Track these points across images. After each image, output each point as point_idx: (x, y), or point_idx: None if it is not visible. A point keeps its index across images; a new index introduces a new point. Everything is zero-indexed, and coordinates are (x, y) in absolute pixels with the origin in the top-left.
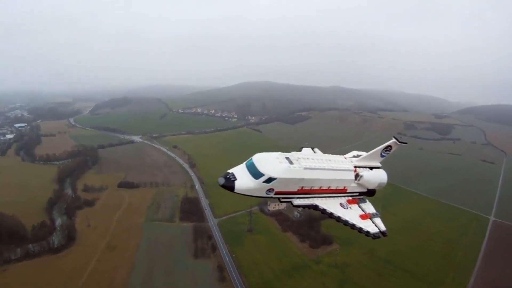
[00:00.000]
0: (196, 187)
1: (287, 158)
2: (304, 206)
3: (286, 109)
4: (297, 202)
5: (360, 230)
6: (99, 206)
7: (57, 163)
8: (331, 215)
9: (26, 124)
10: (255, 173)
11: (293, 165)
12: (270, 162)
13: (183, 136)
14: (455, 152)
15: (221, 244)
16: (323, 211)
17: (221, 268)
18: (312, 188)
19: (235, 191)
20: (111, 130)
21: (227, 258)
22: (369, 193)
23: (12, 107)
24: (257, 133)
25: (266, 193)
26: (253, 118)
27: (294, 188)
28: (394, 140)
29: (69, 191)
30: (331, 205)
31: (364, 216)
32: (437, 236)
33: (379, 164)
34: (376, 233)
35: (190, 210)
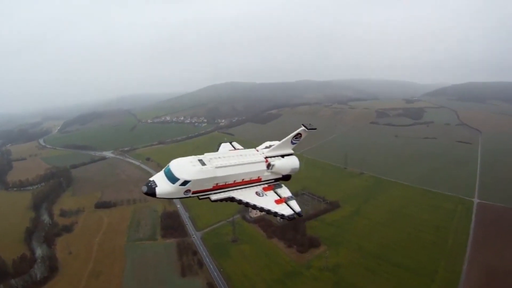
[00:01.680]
0: (174, 200)
1: (200, 160)
2: (221, 200)
3: (256, 108)
4: (214, 197)
5: (275, 214)
6: (78, 230)
7: (31, 188)
8: (247, 204)
9: None
10: (172, 178)
11: (205, 166)
12: (184, 166)
13: (155, 147)
14: (430, 135)
15: (207, 259)
16: (240, 201)
17: (211, 285)
18: (227, 183)
19: (157, 196)
20: (82, 148)
21: (215, 274)
22: (285, 178)
23: None
24: (229, 136)
25: (184, 193)
26: (223, 121)
27: (209, 186)
28: (303, 127)
29: (46, 217)
30: (247, 195)
31: (279, 201)
32: (424, 225)
33: (291, 151)
34: (291, 215)
35: (171, 225)
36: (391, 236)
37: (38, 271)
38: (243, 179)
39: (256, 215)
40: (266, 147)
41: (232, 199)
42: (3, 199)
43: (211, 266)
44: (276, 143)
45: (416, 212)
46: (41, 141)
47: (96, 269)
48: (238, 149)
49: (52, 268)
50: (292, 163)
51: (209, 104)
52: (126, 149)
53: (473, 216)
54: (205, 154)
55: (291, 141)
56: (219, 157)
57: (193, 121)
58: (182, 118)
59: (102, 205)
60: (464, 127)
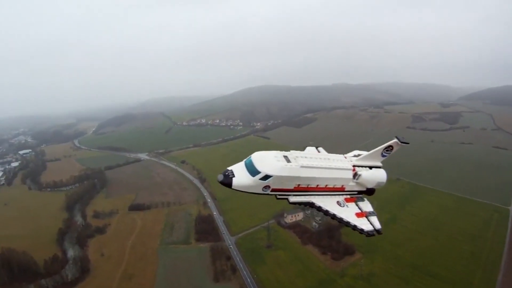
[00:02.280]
0: (209, 204)
1: (285, 156)
2: (300, 203)
3: (291, 112)
4: (293, 199)
5: (354, 227)
6: (111, 232)
7: (65, 189)
8: (326, 213)
9: (30, 150)
10: (252, 171)
11: (290, 163)
12: (268, 160)
13: (190, 149)
14: (466, 141)
15: (241, 264)
16: (319, 208)
17: None
18: (309, 186)
19: (233, 187)
20: (117, 149)
21: (249, 280)
22: (368, 192)
23: (15, 133)
24: (265, 140)
25: (262, 189)
26: (259, 124)
27: (291, 185)
28: (395, 140)
29: (79, 218)
30: (328, 202)
31: (360, 214)
32: (459, 233)
33: (379, 164)
34: (371, 231)
35: (205, 229)
36: (426, 245)
37: (69, 272)
38: (326, 185)
39: (291, 221)
40: (355, 156)
41: (311, 205)
42: (36, 199)
43: (245, 272)
44: (365, 153)
45: (452, 220)
46: (76, 142)
47: (128, 271)
48: None
49: (84, 269)
50: (379, 176)
51: (244, 107)
52: (161, 151)
53: (509, 224)
54: (291, 151)
55: (382, 153)
56: (305, 157)
57: (229, 124)
58: (217, 121)
59: (136, 208)
60: (500, 132)
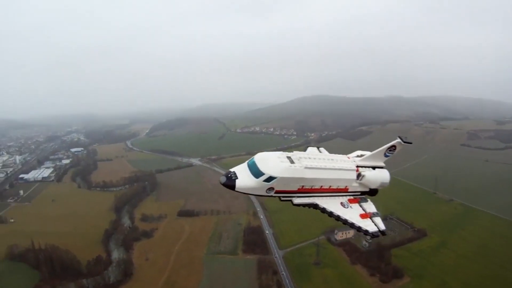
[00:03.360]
0: (259, 214)
1: (288, 157)
2: (304, 205)
3: (345, 123)
4: (297, 201)
5: (359, 229)
6: (157, 237)
7: (114, 190)
8: (330, 214)
9: (82, 148)
10: (256, 172)
11: (294, 164)
12: (271, 161)
13: (242, 157)
14: None
15: (287, 280)
16: (323, 210)
17: None
18: (313, 187)
19: (236, 189)
20: (169, 153)
21: None
22: (371, 193)
23: (68, 130)
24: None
25: (266, 191)
26: (313, 134)
27: (295, 187)
28: (398, 140)
29: (126, 221)
30: (331, 204)
31: (364, 215)
32: (511, 262)
33: (382, 164)
34: (375, 232)
35: (254, 240)
36: (476, 273)
37: (112, 274)
38: (330, 186)
39: (342, 238)
40: (358, 156)
41: (315, 206)
42: (85, 198)
43: None
44: (368, 153)
45: (504, 248)
46: (128, 143)
47: (171, 278)
48: None
49: (127, 272)
50: (383, 176)
51: (298, 116)
52: (213, 157)
53: None
54: (294, 151)
55: (385, 153)
56: (309, 157)
57: (283, 133)
58: (271, 130)
59: (185, 213)
60: None
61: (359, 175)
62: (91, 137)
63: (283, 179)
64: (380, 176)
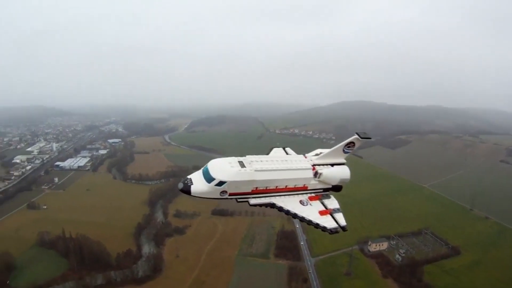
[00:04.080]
0: (293, 221)
1: (240, 162)
2: (261, 205)
3: (385, 131)
4: (253, 201)
5: (316, 225)
6: (190, 234)
7: (150, 183)
8: (287, 212)
9: (120, 140)
10: (208, 178)
11: (244, 168)
12: (222, 167)
13: None
14: None
15: None
16: (280, 208)
17: None
18: (268, 188)
19: (192, 194)
20: (207, 150)
21: None
22: (335, 189)
23: (107, 121)
24: (357, 158)
25: (220, 194)
26: (371, 137)
27: (248, 189)
28: (356, 136)
29: (159, 215)
30: (289, 202)
31: (323, 212)
32: None
33: (343, 160)
34: (333, 228)
35: (286, 245)
36: None
37: (140, 269)
38: (286, 186)
39: (375, 249)
40: (316, 154)
41: (272, 205)
42: (119, 189)
43: None
44: (326, 150)
45: None
46: (166, 137)
47: (200, 277)
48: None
49: (156, 268)
50: (342, 173)
51: (337, 120)
52: None
53: None
54: (247, 156)
55: (343, 150)
56: (261, 160)
57: (321, 137)
58: (310, 133)
59: (219, 212)
60: None
61: (316, 173)
62: (130, 129)
63: (233, 182)
64: (338, 173)
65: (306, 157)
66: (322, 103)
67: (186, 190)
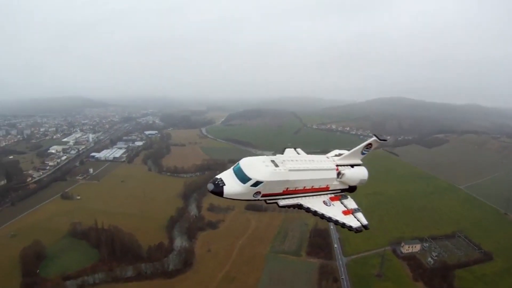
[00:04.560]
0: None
1: (272, 161)
2: (289, 206)
3: (422, 129)
4: (282, 202)
5: (343, 225)
6: (223, 229)
7: (185, 176)
8: (315, 213)
9: (156, 131)
10: (243, 178)
11: (278, 167)
12: (257, 166)
13: (317, 154)
14: None
15: None
16: (307, 209)
17: None
18: (297, 189)
19: (224, 196)
20: (243, 144)
21: None
22: (351, 190)
23: (144, 113)
24: (393, 156)
25: (253, 196)
26: (389, 137)
27: (280, 189)
28: (374, 138)
29: (193, 209)
30: (315, 203)
31: (346, 212)
32: None
33: (360, 162)
34: (359, 227)
35: (319, 243)
36: None
37: (171, 262)
38: (312, 186)
39: (408, 251)
40: (336, 155)
41: (300, 206)
42: (154, 182)
43: None
44: (345, 152)
45: None
46: (203, 130)
47: (231, 273)
48: None
49: (187, 262)
50: (361, 174)
51: (375, 117)
52: None
53: None
54: (277, 155)
55: (362, 151)
56: (291, 160)
57: (359, 133)
58: (347, 129)
59: (253, 208)
60: None
61: (339, 174)
62: (166, 121)
63: (269, 182)
64: (359, 174)
65: (328, 158)
66: (360, 99)
67: (218, 192)
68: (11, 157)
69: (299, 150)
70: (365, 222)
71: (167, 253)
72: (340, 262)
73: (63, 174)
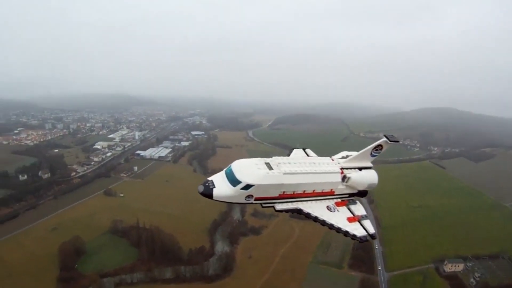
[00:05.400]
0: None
1: (267, 163)
2: (287, 211)
3: (470, 142)
4: (279, 207)
5: (346, 233)
6: (265, 235)
7: None
8: (316, 219)
9: (203, 132)
10: (233, 180)
11: (272, 170)
12: (248, 169)
13: None
14: None
15: None
16: (308, 215)
17: None
18: (295, 193)
19: (214, 198)
20: (289, 148)
21: None
22: (360, 194)
23: (191, 113)
24: (440, 169)
25: (245, 199)
26: (436, 149)
27: (275, 193)
28: (384, 139)
29: (237, 213)
30: (316, 208)
31: (351, 219)
32: None
33: (370, 164)
34: (364, 236)
35: (361, 256)
36: None
37: (211, 267)
38: (314, 190)
39: (450, 270)
40: (343, 157)
41: (299, 211)
42: (199, 183)
43: None
44: (354, 153)
45: None
46: (249, 133)
47: (271, 282)
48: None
49: (227, 267)
50: (370, 177)
51: (422, 127)
52: None
53: None
54: (274, 157)
55: (371, 153)
56: (288, 162)
57: (406, 144)
58: None
59: (298, 216)
60: None
61: (344, 178)
62: (213, 122)
63: (261, 186)
64: (367, 177)
65: (333, 160)
66: (405, 108)
67: (208, 194)
68: (56, 150)
69: (308, 150)
70: (372, 231)
71: (208, 257)
72: (382, 278)
73: (108, 170)
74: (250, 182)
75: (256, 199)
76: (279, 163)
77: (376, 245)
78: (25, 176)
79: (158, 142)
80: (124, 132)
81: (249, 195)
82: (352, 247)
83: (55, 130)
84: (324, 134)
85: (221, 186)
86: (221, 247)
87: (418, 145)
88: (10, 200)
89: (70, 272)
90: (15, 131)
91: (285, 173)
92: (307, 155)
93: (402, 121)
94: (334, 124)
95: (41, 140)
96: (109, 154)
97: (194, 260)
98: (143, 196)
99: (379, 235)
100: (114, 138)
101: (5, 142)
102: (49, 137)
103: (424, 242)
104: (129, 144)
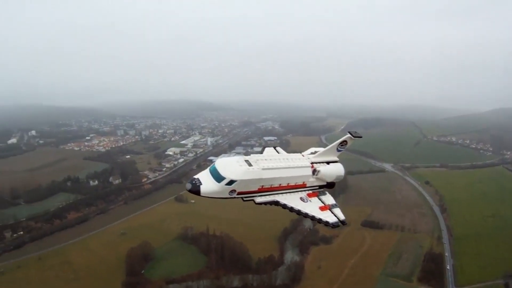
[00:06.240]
0: (443, 240)
1: (246, 161)
2: (266, 203)
3: None
4: (259, 199)
5: (319, 220)
6: (336, 245)
7: None
8: (291, 209)
9: (275, 137)
10: (218, 177)
11: (251, 167)
12: (231, 166)
13: (436, 169)
14: None
15: None
16: (284, 206)
17: None
18: (272, 186)
19: (201, 194)
20: (363, 154)
21: None
22: (329, 186)
23: (263, 118)
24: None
25: (229, 194)
26: (509, 153)
27: (255, 187)
28: (348, 135)
29: (308, 221)
30: (291, 200)
31: (323, 208)
32: None
33: (336, 158)
34: (335, 222)
35: (432, 270)
36: None
37: (279, 276)
38: (288, 183)
39: None
40: (312, 153)
41: (276, 203)
42: None
43: None
44: (321, 149)
45: None
46: (322, 138)
47: None
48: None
49: (296, 277)
50: (337, 170)
51: (494, 130)
52: (407, 165)
53: None
54: (251, 155)
55: (337, 148)
56: (265, 159)
57: (478, 147)
58: (467, 142)
59: (369, 224)
60: None
61: (314, 171)
62: (286, 127)
63: (243, 181)
64: (334, 170)
65: (303, 156)
66: (479, 109)
67: (195, 191)
68: (128, 156)
69: (278, 148)
70: (342, 217)
71: (277, 266)
72: None
73: (179, 176)
74: (233, 177)
75: (238, 193)
76: (257, 160)
77: (448, 257)
78: (96, 182)
79: (230, 148)
80: (196, 138)
81: (232, 190)
82: (423, 259)
83: (127, 136)
84: (397, 138)
85: (207, 183)
86: (290, 256)
87: (491, 149)
88: (80, 204)
89: (136, 277)
90: (87, 138)
91: (263, 169)
92: (278, 152)
93: (474, 123)
94: (406, 127)
95: (113, 146)
96: (181, 160)
97: (263, 269)
98: (213, 202)
99: (450, 246)
100: (186, 144)
101: (77, 148)
102: (121, 144)
103: (497, 255)
104: (201, 150)
